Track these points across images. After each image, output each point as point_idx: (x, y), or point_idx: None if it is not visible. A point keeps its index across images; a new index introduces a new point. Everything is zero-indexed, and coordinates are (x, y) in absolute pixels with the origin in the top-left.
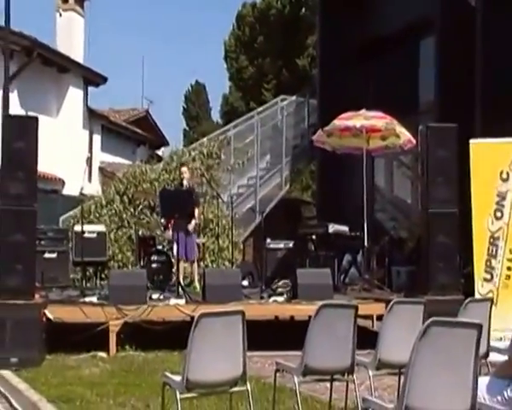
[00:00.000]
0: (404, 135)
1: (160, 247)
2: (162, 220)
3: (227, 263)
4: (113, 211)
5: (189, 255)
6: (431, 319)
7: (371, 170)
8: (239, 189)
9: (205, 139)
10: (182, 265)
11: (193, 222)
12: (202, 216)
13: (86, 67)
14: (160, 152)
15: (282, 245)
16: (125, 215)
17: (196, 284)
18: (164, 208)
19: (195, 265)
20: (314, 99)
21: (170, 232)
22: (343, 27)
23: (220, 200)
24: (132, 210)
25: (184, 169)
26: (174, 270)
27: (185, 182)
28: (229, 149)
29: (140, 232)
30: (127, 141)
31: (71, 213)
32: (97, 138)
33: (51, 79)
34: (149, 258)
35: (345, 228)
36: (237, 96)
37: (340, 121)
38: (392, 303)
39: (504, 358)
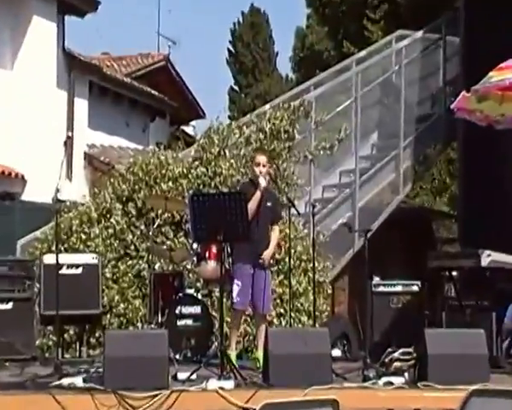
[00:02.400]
0: None
1: (190, 291)
2: (195, 245)
3: (305, 318)
4: (112, 230)
5: (262, 307)
6: None
7: None
8: (325, 192)
9: (267, 107)
10: (239, 318)
11: (269, 250)
12: None
13: None
14: (189, 129)
15: (399, 288)
16: (131, 237)
17: (260, 353)
18: (197, 225)
19: (265, 323)
20: (455, 37)
21: (211, 264)
22: None
23: (293, 210)
24: (143, 228)
25: (263, 158)
26: (216, 330)
27: (262, 181)
28: (309, 124)
29: (157, 266)
30: (133, 110)
31: (37, 232)
32: (82, 105)
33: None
34: (173, 310)
35: (511, 259)
36: (321, 33)
37: (503, 73)
38: None
39: None
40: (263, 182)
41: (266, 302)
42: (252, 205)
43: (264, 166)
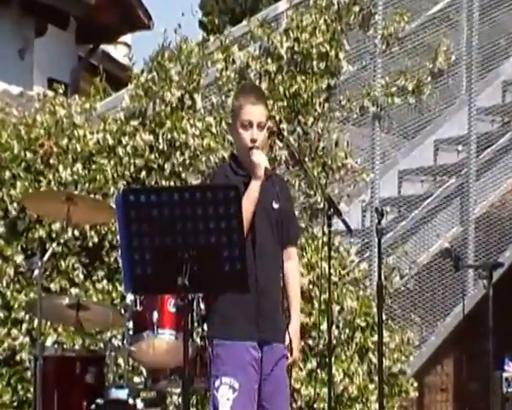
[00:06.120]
0: None
1: (121, 393)
2: (130, 299)
3: None
4: None
5: None
6: None
7: None
8: (404, 183)
9: (282, 5)
10: None
11: (294, 323)
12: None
13: None
14: (118, 51)
15: None
16: None
17: None
18: (136, 256)
19: None
20: None
21: (164, 337)
22: None
23: (338, 222)
24: (21, 261)
25: (257, 111)
26: None
27: (260, 160)
28: (370, 42)
29: (49, 342)
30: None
31: None
32: None
33: None
34: None
35: None
36: None
37: None
38: None
39: None
40: (262, 161)
41: None
42: (245, 209)
43: (261, 126)
